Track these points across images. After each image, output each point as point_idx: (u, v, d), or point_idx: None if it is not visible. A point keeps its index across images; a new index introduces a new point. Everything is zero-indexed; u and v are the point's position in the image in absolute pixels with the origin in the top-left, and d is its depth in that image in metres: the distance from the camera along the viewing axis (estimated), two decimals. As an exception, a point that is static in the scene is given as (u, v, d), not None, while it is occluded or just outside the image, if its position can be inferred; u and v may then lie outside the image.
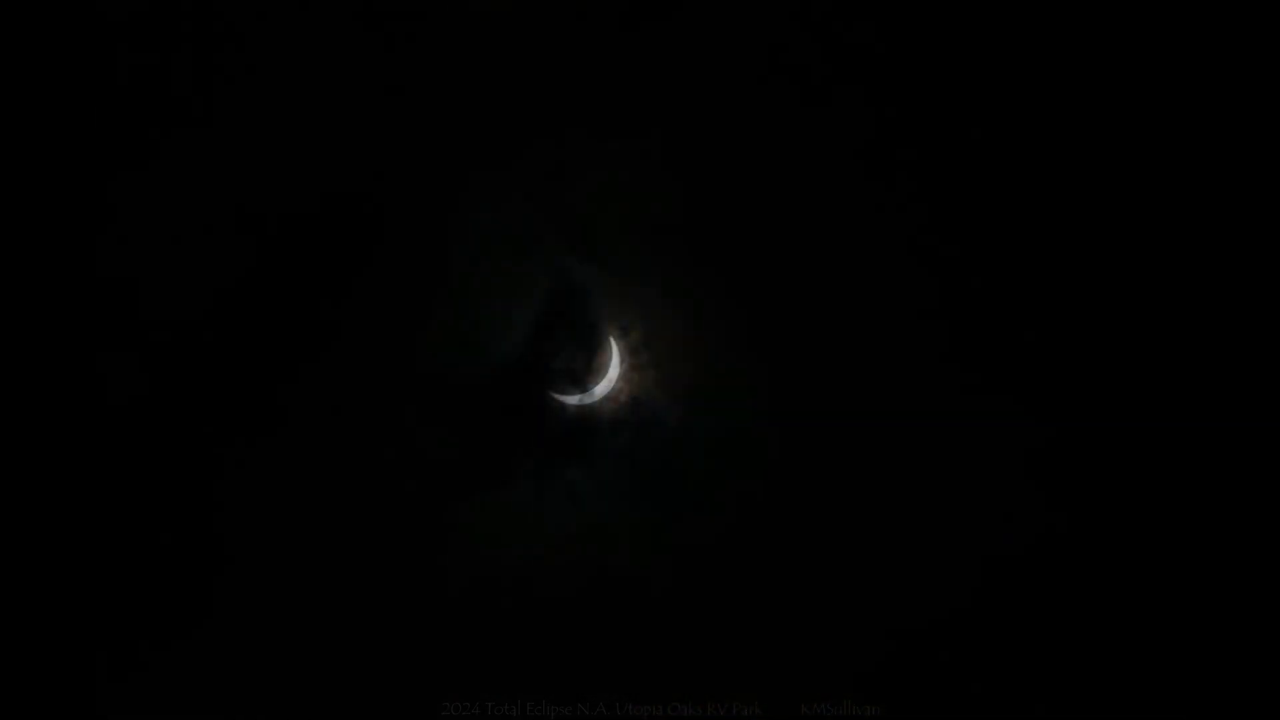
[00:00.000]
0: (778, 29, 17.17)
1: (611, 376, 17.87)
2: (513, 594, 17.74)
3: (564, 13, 17.03)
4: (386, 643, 17.62)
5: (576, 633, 17.66)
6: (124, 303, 17.09)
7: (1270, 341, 16.68)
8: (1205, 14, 16.58)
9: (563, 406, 17.91)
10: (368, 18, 16.85)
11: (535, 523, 17.80)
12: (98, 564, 17.19)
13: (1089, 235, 17.02)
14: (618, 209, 17.43)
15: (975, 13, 16.80)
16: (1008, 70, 16.86)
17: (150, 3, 16.05)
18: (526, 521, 17.81)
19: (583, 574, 17.72)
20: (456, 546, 17.78)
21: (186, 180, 16.97)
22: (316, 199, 17.20)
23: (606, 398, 17.94)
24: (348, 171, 17.22)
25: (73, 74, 16.34)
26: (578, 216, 17.31)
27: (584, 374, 17.66)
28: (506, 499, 17.81)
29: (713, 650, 17.50)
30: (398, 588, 17.73)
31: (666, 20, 17.12)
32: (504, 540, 17.81)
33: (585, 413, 17.98)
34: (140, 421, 17.31)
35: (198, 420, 17.43)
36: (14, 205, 16.55)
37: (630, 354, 17.87)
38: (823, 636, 17.45)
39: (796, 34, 17.09)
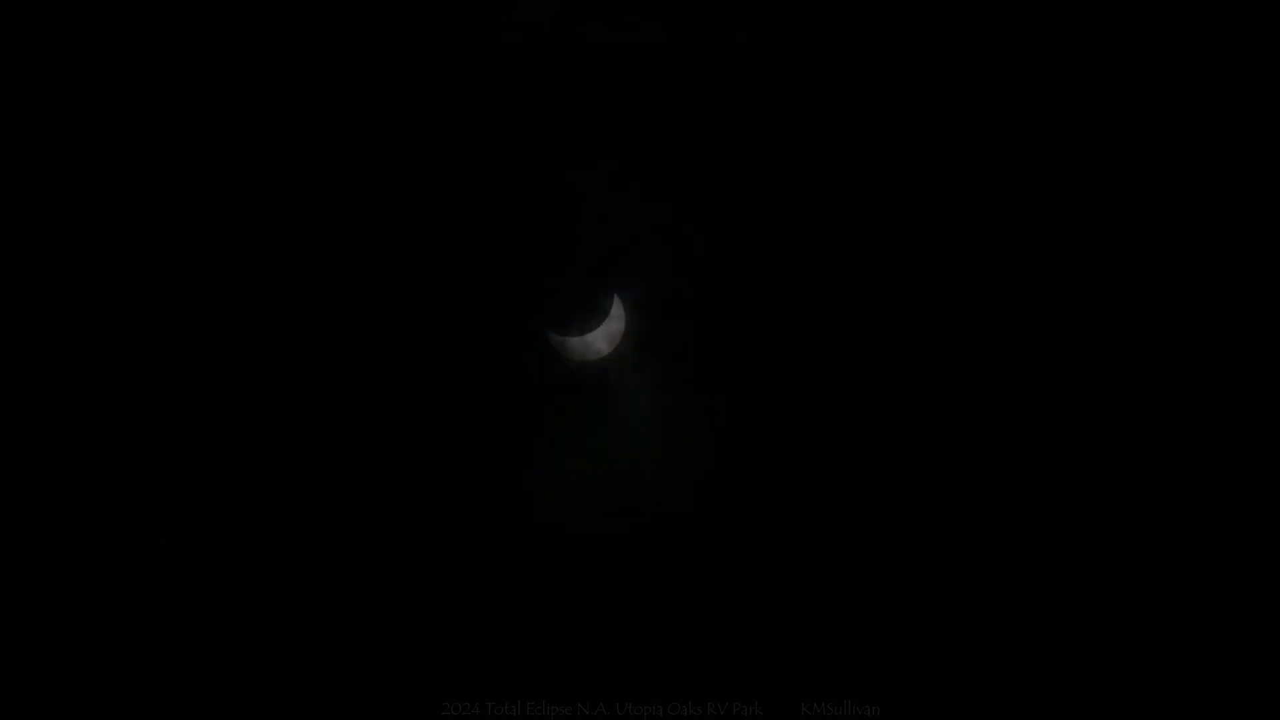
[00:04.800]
0: (778, 29, 17.21)
1: (614, 330, 16.97)
2: (513, 592, 17.79)
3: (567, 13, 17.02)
4: (386, 642, 17.64)
5: (576, 632, 17.71)
6: (122, 302, 17.08)
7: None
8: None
9: (559, 357, 16.95)
10: (370, 14, 16.79)
11: (536, 521, 17.83)
12: (96, 564, 17.20)
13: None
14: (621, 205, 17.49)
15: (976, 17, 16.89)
16: (1009, 74, 16.97)
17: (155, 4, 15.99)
18: (526, 517, 17.84)
19: (582, 573, 17.77)
20: (455, 541, 17.82)
21: (185, 180, 16.95)
22: (315, 198, 17.20)
23: (607, 357, 17.10)
24: (345, 169, 17.23)
25: (72, 73, 16.29)
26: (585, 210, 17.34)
27: (581, 309, 16.51)
28: (507, 488, 17.76)
29: (713, 650, 17.57)
30: (396, 586, 17.76)
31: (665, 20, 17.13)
32: (503, 538, 17.85)
33: (587, 370, 17.26)
34: (138, 418, 17.32)
35: (194, 415, 17.45)
36: (13, 205, 16.51)
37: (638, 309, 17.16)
38: (823, 636, 17.54)
39: (798, 38, 17.13)
